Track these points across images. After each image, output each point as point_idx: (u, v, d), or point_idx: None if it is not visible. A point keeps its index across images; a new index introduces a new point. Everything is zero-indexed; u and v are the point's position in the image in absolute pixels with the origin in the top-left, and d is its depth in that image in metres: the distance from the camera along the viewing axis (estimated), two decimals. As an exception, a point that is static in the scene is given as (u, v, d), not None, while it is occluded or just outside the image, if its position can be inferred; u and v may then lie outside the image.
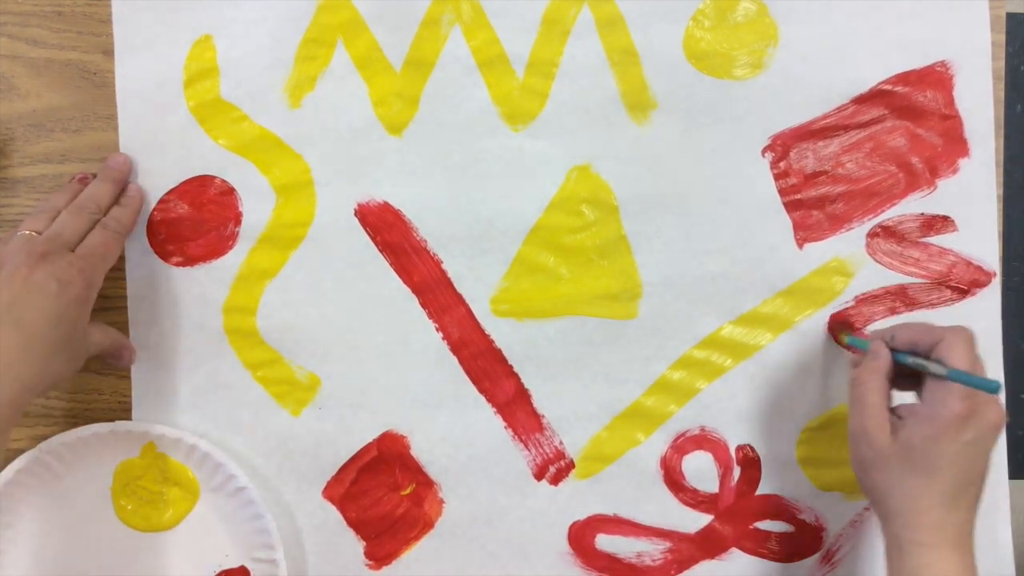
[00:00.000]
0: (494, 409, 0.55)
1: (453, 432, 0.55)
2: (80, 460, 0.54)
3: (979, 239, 0.55)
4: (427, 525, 0.55)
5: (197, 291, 0.55)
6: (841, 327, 0.55)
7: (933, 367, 0.45)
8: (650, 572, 0.55)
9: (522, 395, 0.55)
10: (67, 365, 0.48)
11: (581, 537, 0.55)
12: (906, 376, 0.48)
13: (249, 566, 0.54)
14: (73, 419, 0.55)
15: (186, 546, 0.55)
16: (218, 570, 0.54)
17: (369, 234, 0.55)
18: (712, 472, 0.55)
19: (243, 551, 0.54)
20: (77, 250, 0.49)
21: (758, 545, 0.55)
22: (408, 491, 0.55)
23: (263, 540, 0.53)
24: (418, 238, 0.55)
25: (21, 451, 0.52)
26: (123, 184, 0.53)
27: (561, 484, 0.55)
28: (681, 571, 0.55)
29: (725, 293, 0.55)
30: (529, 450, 0.55)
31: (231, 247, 0.55)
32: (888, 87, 0.54)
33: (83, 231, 0.50)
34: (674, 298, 0.55)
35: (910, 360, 0.47)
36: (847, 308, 0.55)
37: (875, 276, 0.55)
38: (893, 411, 0.46)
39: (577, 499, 0.55)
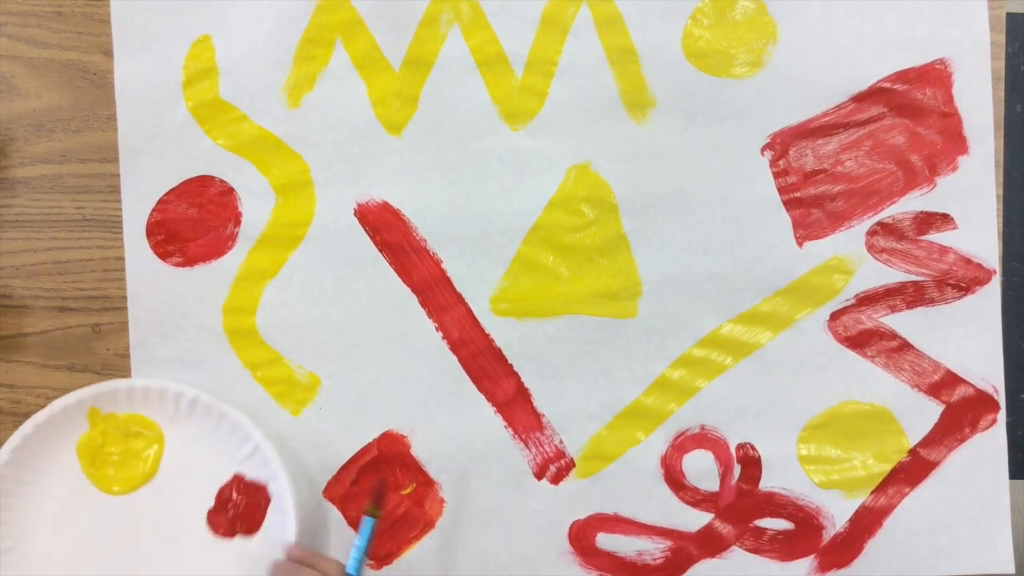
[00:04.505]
0: (494, 408, 0.55)
1: (453, 431, 0.55)
2: (38, 458, 0.53)
3: (979, 237, 0.55)
4: (427, 525, 0.55)
5: (197, 291, 0.55)
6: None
7: None
8: (651, 570, 0.55)
9: (522, 394, 0.55)
10: None
11: (581, 536, 0.55)
12: None
13: (240, 471, 0.53)
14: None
15: (176, 484, 0.54)
16: (216, 489, 0.54)
17: (369, 234, 0.55)
18: (712, 470, 0.55)
19: (227, 461, 0.53)
20: None
21: (758, 543, 0.55)
22: (408, 491, 0.55)
23: (237, 437, 0.53)
24: (417, 237, 0.55)
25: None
26: None
27: (561, 483, 0.55)
28: (682, 570, 0.55)
29: (725, 291, 0.55)
30: (529, 449, 0.55)
31: (231, 247, 0.55)
32: (887, 85, 0.55)
33: None
34: (674, 297, 0.55)
35: None
36: (847, 306, 0.55)
37: (875, 274, 0.55)
38: None
39: (577, 498, 0.55)
